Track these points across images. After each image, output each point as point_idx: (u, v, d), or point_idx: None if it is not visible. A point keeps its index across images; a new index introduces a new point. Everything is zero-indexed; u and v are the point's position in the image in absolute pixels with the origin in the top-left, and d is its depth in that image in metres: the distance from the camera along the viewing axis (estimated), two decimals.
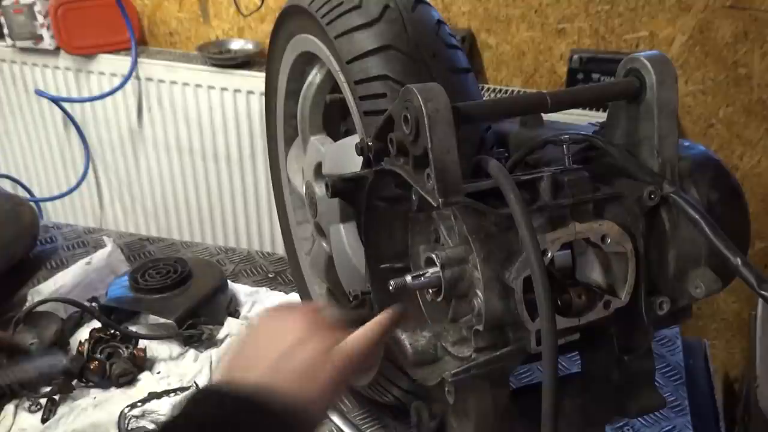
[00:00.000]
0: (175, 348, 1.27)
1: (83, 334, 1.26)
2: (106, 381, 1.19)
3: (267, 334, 0.66)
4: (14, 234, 1.50)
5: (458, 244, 0.66)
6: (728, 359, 2.23)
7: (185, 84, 2.35)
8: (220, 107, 2.33)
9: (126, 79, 2.38)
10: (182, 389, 1.17)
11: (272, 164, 1.36)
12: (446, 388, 0.65)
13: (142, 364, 1.23)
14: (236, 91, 2.28)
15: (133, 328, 1.27)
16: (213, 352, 1.27)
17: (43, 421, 1.11)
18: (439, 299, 0.67)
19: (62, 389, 1.16)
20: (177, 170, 2.54)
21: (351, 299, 0.90)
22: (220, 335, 1.31)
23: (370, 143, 0.72)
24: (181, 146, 2.48)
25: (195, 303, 1.31)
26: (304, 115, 1.15)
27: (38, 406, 1.14)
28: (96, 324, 1.26)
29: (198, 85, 2.33)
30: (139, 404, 1.14)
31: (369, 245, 0.79)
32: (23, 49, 2.51)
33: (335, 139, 1.12)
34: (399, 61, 0.84)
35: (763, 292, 0.58)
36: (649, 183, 0.66)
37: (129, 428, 1.10)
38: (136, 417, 1.12)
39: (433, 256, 0.66)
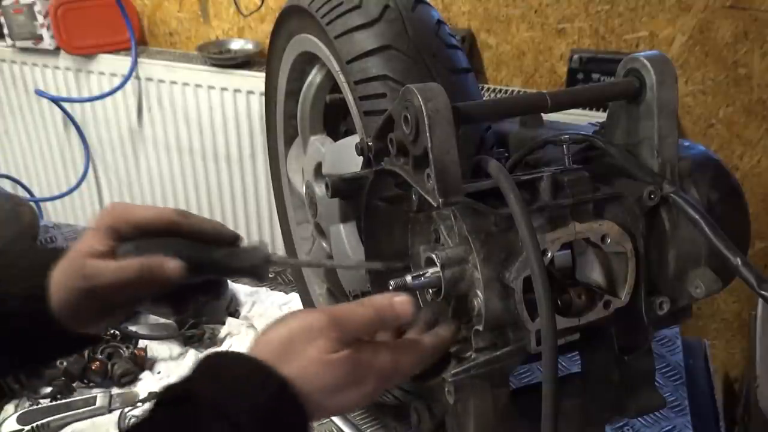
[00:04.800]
0: (175, 348, 1.27)
1: None
2: (107, 381, 1.19)
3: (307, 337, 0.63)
4: (14, 234, 1.50)
5: (458, 244, 0.66)
6: (728, 359, 2.23)
7: (185, 84, 2.35)
8: (220, 107, 2.33)
9: (126, 79, 2.38)
10: None
11: (272, 164, 1.36)
12: (446, 388, 0.65)
13: (143, 363, 1.23)
14: (236, 91, 2.28)
15: (133, 328, 1.28)
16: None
17: None
18: (439, 299, 0.67)
19: (63, 390, 1.16)
20: (177, 170, 2.54)
21: (351, 299, 0.90)
22: (221, 335, 1.31)
23: (370, 143, 0.72)
24: (181, 146, 2.48)
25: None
26: (304, 115, 1.15)
27: (38, 406, 1.14)
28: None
29: (198, 85, 2.33)
30: (139, 404, 1.14)
31: (369, 245, 0.79)
32: (23, 49, 2.51)
33: (335, 139, 1.12)
34: (399, 61, 0.84)
35: (763, 292, 0.58)
36: (649, 183, 0.66)
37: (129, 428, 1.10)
38: (136, 417, 1.12)
39: (433, 256, 0.66)
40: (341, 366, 0.61)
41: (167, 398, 0.60)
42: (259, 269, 0.71)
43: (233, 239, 0.73)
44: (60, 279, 0.70)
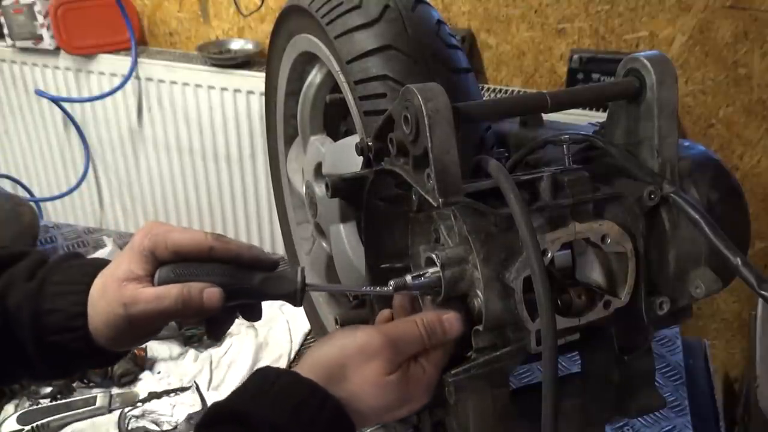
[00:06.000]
0: (175, 348, 1.27)
1: None
2: (107, 381, 1.19)
3: (361, 359, 0.64)
4: (14, 234, 1.50)
5: (458, 244, 0.66)
6: (728, 359, 2.23)
7: (185, 84, 2.35)
8: (220, 107, 2.33)
9: (126, 79, 2.38)
10: (182, 389, 1.17)
11: (272, 164, 1.36)
12: (446, 388, 0.65)
13: (143, 363, 1.23)
14: (236, 91, 2.28)
15: None
16: (213, 352, 1.27)
17: None
18: (439, 299, 0.67)
19: (63, 390, 1.16)
20: (177, 170, 2.54)
21: (351, 299, 0.90)
22: None
23: (370, 143, 0.72)
24: (181, 146, 2.48)
25: None
26: (304, 115, 1.15)
27: (39, 406, 1.14)
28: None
29: (198, 85, 2.33)
30: (139, 404, 1.14)
31: (369, 245, 0.79)
32: (23, 49, 2.51)
33: (335, 139, 1.12)
34: (399, 61, 0.84)
35: (763, 292, 0.58)
36: (649, 183, 0.66)
37: (129, 428, 1.10)
38: (136, 417, 1.12)
39: (433, 256, 0.66)
40: (395, 388, 0.63)
41: (219, 416, 0.59)
42: (295, 295, 0.71)
43: (272, 265, 0.72)
44: (98, 302, 0.70)
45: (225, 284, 0.69)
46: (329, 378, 0.62)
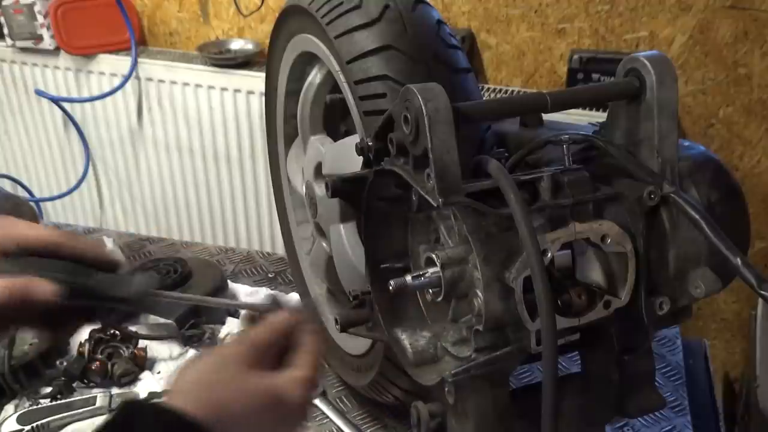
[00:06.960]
0: (175, 348, 1.27)
1: (83, 334, 1.25)
2: (107, 381, 1.19)
3: (233, 378, 0.62)
4: None
5: (458, 244, 0.66)
6: (728, 359, 2.23)
7: (185, 84, 2.35)
8: (220, 107, 2.33)
9: (126, 79, 2.38)
10: None
11: (272, 164, 1.36)
12: (446, 388, 0.65)
13: (143, 363, 1.23)
14: (236, 91, 2.28)
15: (133, 328, 1.27)
16: None
17: None
18: (439, 299, 0.67)
19: (63, 390, 1.16)
20: (177, 170, 2.54)
21: (351, 299, 0.90)
22: (221, 335, 1.31)
23: (370, 143, 0.72)
24: (181, 146, 2.48)
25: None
26: (304, 115, 1.15)
27: (39, 406, 1.14)
28: (96, 324, 1.26)
29: (198, 85, 2.33)
30: None
31: (369, 245, 0.79)
32: (23, 49, 2.51)
33: (335, 139, 1.12)
34: (399, 61, 0.84)
35: (763, 292, 0.58)
36: (649, 183, 0.66)
37: None
38: None
39: (433, 256, 0.66)
40: (264, 399, 0.62)
41: None
42: (135, 299, 0.69)
43: (112, 266, 0.71)
44: None
45: (62, 280, 0.67)
46: (198, 400, 0.59)
